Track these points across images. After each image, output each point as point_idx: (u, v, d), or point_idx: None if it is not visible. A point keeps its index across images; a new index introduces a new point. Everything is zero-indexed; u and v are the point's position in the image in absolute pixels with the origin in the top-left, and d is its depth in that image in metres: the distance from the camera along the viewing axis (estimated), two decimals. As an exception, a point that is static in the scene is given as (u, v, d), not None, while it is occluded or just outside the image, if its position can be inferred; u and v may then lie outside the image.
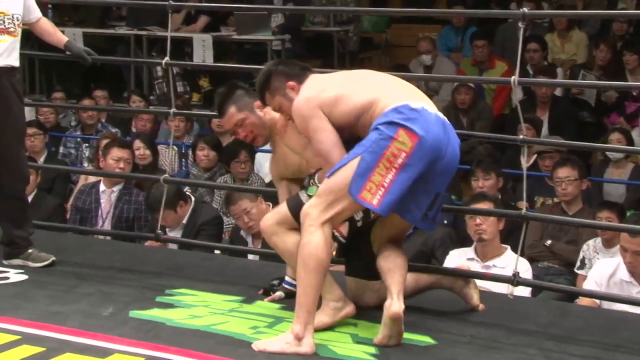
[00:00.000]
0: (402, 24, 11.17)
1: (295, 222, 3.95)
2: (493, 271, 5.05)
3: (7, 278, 4.69)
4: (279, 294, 4.32)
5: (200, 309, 4.22)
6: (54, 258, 4.87)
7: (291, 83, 3.99)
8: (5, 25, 4.76)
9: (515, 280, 4.35)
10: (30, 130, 8.21)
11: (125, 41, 10.12)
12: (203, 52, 9.42)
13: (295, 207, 3.96)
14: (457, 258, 5.47)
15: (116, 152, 6.80)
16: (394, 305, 3.76)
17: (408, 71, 8.78)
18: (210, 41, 9.48)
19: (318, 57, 10.12)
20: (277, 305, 4.25)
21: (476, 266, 5.28)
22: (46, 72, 10.57)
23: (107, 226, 6.72)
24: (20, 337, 3.89)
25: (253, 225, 5.82)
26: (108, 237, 6.09)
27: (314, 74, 4.06)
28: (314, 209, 3.75)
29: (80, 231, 6.31)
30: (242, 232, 6.08)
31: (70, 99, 9.42)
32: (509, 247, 5.42)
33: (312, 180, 4.07)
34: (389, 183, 3.69)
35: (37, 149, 8.14)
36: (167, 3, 5.33)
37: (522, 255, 4.66)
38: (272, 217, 4.09)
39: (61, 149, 8.78)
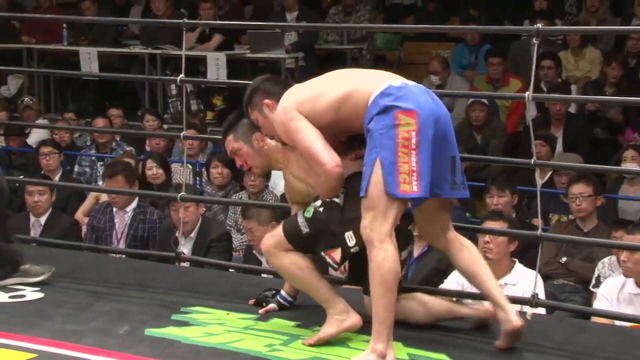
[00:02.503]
0: (416, 42, 11.20)
1: (290, 245, 3.99)
2: (506, 290, 5.04)
3: (24, 296, 4.68)
4: (273, 306, 4.35)
5: (215, 326, 4.22)
6: (52, 269, 4.82)
7: (267, 101, 4.05)
8: None
9: (534, 302, 4.34)
10: (45, 149, 8.28)
11: (140, 60, 10.19)
12: (217, 71, 9.47)
13: (290, 231, 4.01)
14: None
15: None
16: (514, 321, 3.89)
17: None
18: (224, 59, 9.53)
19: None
20: (292, 323, 4.24)
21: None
22: (61, 91, 10.63)
23: (122, 245, 6.76)
24: (36, 355, 3.89)
25: (254, 245, 6.04)
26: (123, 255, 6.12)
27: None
28: (374, 224, 3.72)
29: (96, 249, 6.33)
30: (255, 251, 6.12)
31: (84, 117, 9.47)
32: (516, 260, 5.41)
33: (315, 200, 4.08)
34: (416, 166, 3.69)
35: (52, 168, 8.19)
36: (181, 21, 5.37)
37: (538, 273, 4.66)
38: (271, 238, 4.10)
39: (76, 168, 8.84)
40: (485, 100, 8.76)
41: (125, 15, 11.59)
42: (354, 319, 4.01)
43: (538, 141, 7.29)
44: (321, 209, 4.00)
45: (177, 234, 6.22)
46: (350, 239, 3.94)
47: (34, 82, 10.69)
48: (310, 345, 3.96)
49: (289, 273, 4.06)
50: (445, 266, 5.70)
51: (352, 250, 3.96)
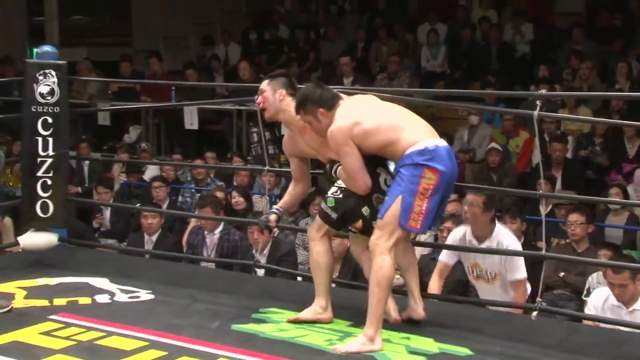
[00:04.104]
0: (445, 101, 11.12)
1: (326, 226, 4.17)
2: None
3: (139, 297, 4.73)
4: (273, 216, 4.38)
5: (286, 324, 4.21)
6: (12, 305, 4.44)
7: (322, 110, 4.00)
8: None
9: (537, 307, 4.36)
10: (156, 183, 8.37)
11: (229, 114, 10.27)
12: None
13: (324, 218, 4.18)
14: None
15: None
16: (420, 311, 4.17)
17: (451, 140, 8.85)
18: (295, 115, 9.53)
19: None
20: (348, 322, 4.22)
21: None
22: (169, 139, 10.75)
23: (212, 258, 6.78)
24: (148, 343, 3.93)
25: None
26: (213, 266, 6.14)
27: (344, 101, 4.05)
28: (380, 240, 3.86)
29: (192, 261, 6.36)
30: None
31: (186, 158, 9.56)
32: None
33: (331, 191, 4.18)
34: (425, 210, 3.84)
35: (161, 198, 8.26)
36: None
37: (542, 285, 4.61)
38: (314, 225, 4.27)
39: (180, 198, 8.90)
40: (499, 147, 8.75)
41: (217, 80, 11.75)
42: (327, 315, 4.21)
43: (543, 180, 7.24)
44: (340, 196, 4.11)
45: (253, 251, 6.27)
46: (366, 212, 4.04)
47: (149, 132, 10.82)
48: (290, 321, 4.18)
49: (313, 259, 4.23)
50: (467, 278, 5.66)
51: (369, 219, 4.05)
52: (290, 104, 4.17)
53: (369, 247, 3.92)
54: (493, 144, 8.92)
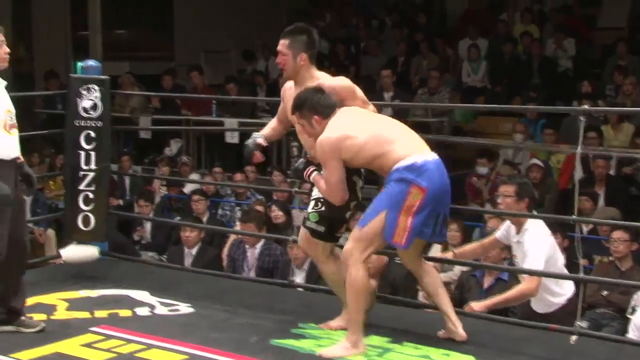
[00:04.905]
0: (486, 117, 11.08)
1: (323, 243, 4.25)
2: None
3: (179, 310, 4.76)
4: (261, 139, 4.50)
5: (325, 340, 4.21)
6: (43, 325, 4.38)
7: (316, 117, 4.04)
8: (14, 121, 4.15)
9: (577, 331, 4.30)
10: (196, 197, 8.41)
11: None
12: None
13: (316, 235, 4.23)
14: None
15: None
16: (461, 333, 4.16)
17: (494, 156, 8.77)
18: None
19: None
20: (386, 339, 4.21)
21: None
22: (209, 152, 10.81)
23: (252, 274, 6.79)
24: (187, 356, 3.96)
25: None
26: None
27: (340, 112, 4.06)
28: (355, 251, 3.95)
29: (232, 276, 6.36)
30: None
31: (226, 172, 9.60)
32: None
33: (310, 206, 4.23)
34: (409, 226, 3.87)
35: (201, 211, 8.29)
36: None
37: (583, 304, 4.53)
38: (314, 250, 4.34)
39: (219, 211, 8.93)
40: (541, 163, 8.68)
41: (259, 94, 11.80)
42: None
43: (584, 197, 7.15)
44: (323, 209, 4.14)
45: (293, 266, 6.27)
46: (348, 216, 4.18)
47: (189, 145, 10.90)
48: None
49: (328, 280, 4.37)
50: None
51: (350, 222, 4.22)
52: (310, 67, 4.23)
53: (342, 255, 4.03)
54: (534, 160, 8.84)
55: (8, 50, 4.07)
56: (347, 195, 4.03)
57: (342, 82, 4.22)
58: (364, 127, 3.99)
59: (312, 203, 4.24)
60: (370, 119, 4.12)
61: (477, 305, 4.89)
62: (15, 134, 4.10)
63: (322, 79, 4.22)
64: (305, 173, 4.15)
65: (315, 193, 4.21)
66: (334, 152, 3.93)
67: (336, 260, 4.27)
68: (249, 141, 4.51)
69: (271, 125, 4.61)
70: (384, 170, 3.97)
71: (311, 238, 4.25)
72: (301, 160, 4.24)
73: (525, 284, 4.96)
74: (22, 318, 4.35)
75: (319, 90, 4.11)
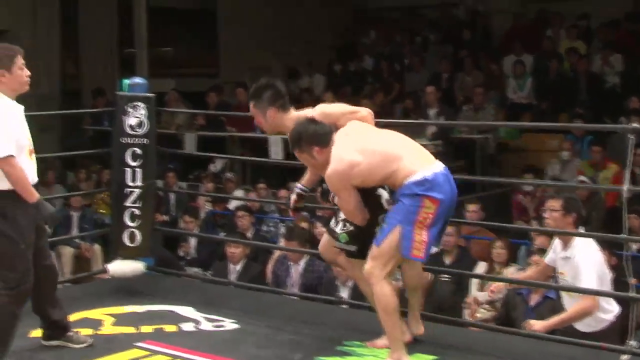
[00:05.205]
0: (532, 134, 11.00)
1: (361, 261, 4.14)
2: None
3: (223, 326, 4.77)
4: (293, 197, 4.45)
5: (369, 358, 4.19)
6: (91, 340, 4.43)
7: (317, 148, 4.03)
8: (32, 146, 4.10)
9: (628, 350, 4.20)
10: (240, 213, 8.45)
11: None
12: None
13: (349, 254, 4.25)
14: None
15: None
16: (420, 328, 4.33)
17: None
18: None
19: (463, 158, 10.06)
20: (432, 357, 4.18)
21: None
22: (253, 168, 10.86)
23: (296, 290, 6.79)
24: (231, 373, 3.97)
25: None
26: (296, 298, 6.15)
27: (339, 136, 4.03)
28: (375, 269, 3.95)
29: (277, 292, 6.37)
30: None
31: (270, 188, 9.63)
32: None
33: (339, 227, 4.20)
34: (426, 239, 3.91)
35: (245, 227, 8.33)
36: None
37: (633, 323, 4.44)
38: (354, 269, 4.32)
39: (264, 227, 8.95)
40: (588, 180, 8.58)
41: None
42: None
43: (632, 215, 7.04)
44: (352, 228, 4.13)
45: (337, 282, 6.25)
46: (376, 231, 4.04)
47: (234, 161, 10.95)
48: None
49: (369, 297, 4.28)
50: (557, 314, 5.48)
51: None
52: (283, 116, 4.26)
53: (364, 275, 4.00)
54: (581, 177, 8.76)
55: (29, 73, 4.06)
56: (368, 215, 4.05)
57: (323, 107, 4.25)
58: (369, 149, 3.98)
59: (340, 224, 4.22)
60: (372, 137, 4.09)
61: (537, 325, 4.83)
62: (34, 159, 4.08)
63: (306, 113, 4.25)
64: (330, 196, 4.21)
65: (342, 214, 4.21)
66: (343, 182, 3.95)
67: (391, 283, 4.18)
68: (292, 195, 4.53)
69: (309, 171, 4.55)
70: (395, 186, 3.98)
71: (346, 258, 4.27)
72: None
73: (585, 301, 4.90)
74: (70, 333, 4.37)
75: (311, 120, 4.11)
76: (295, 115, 4.25)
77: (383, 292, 3.94)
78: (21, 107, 4.06)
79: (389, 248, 3.93)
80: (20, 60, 4.00)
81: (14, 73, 3.96)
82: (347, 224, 4.17)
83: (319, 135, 4.02)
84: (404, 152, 3.98)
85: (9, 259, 3.91)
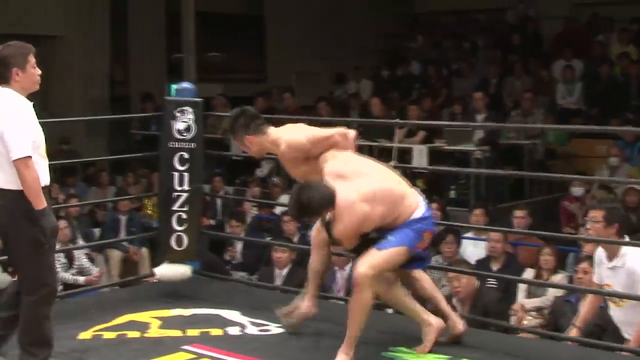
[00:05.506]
0: (581, 139, 10.88)
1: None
2: None
3: (269, 330, 4.79)
4: None
5: (415, 364, 4.19)
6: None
7: (330, 207, 4.09)
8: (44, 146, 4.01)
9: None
10: (286, 217, 8.45)
11: (360, 149, 10.25)
12: (420, 159, 9.49)
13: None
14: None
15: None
16: (460, 327, 4.44)
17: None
18: (426, 151, 9.55)
19: (511, 164, 9.97)
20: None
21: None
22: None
23: (341, 294, 6.78)
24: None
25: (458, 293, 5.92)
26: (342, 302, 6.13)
27: (340, 188, 4.08)
28: (368, 275, 4.08)
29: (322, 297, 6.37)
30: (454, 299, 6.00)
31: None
32: None
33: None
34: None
35: (292, 232, 8.33)
36: (394, 121, 5.43)
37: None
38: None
39: (310, 232, 8.94)
40: (639, 187, 8.45)
41: (352, 116, 11.82)
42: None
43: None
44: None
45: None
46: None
47: (280, 166, 10.94)
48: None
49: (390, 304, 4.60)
50: (605, 322, 5.41)
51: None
52: (260, 141, 4.41)
53: (354, 277, 4.11)
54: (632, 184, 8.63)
55: (40, 72, 3.99)
56: (356, 242, 4.19)
57: (299, 139, 4.35)
58: (377, 196, 4.10)
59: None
60: (367, 175, 4.22)
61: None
62: (46, 159, 3.98)
63: (281, 135, 4.39)
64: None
65: None
66: (355, 233, 4.13)
67: (388, 282, 4.34)
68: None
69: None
70: (394, 225, 4.15)
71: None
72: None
73: None
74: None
75: (312, 187, 4.13)
76: (272, 136, 4.40)
77: (368, 297, 4.11)
78: (31, 104, 3.96)
79: (388, 260, 4.12)
80: (33, 59, 3.95)
81: (27, 72, 3.91)
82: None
83: (329, 197, 4.06)
84: (403, 189, 4.24)
85: (34, 261, 3.85)
